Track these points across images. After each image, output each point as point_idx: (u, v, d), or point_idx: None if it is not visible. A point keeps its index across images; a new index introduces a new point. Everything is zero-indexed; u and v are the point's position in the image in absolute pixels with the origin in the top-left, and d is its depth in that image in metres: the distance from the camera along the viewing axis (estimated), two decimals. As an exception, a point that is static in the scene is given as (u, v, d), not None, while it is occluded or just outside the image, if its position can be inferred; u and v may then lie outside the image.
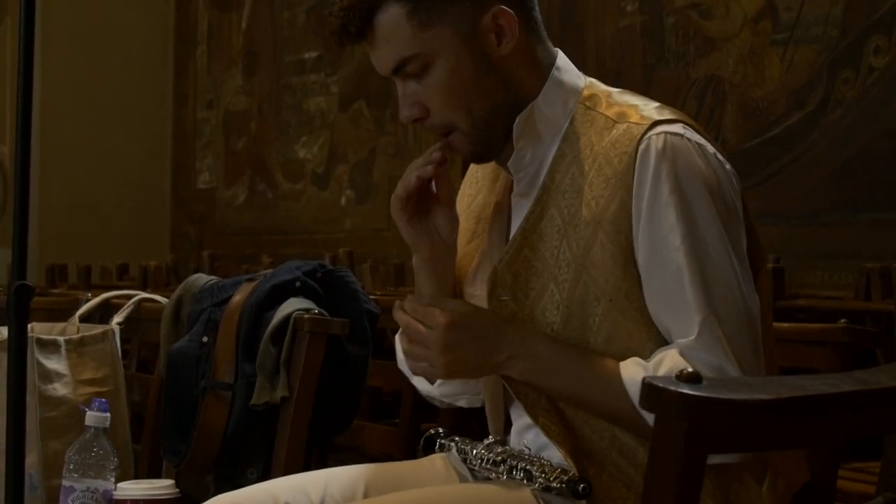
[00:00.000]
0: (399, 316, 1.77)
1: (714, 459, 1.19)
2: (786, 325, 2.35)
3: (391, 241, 8.09)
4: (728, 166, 1.75)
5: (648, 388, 1.06)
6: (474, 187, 1.97)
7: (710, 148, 1.74)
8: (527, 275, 1.78)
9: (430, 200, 1.84)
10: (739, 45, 6.05)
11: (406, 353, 1.79)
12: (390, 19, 1.74)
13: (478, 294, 1.84)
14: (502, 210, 1.89)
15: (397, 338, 1.88)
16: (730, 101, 6.07)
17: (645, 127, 1.71)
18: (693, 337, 1.65)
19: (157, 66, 10.38)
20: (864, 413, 1.13)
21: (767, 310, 1.83)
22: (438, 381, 1.96)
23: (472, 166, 1.99)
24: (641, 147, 1.70)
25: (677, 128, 1.72)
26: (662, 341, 1.69)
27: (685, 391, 1.04)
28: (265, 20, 9.55)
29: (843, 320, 2.17)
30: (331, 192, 8.83)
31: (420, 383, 2.00)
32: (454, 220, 1.85)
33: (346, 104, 8.71)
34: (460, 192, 1.99)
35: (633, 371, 1.68)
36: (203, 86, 10.18)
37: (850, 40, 5.57)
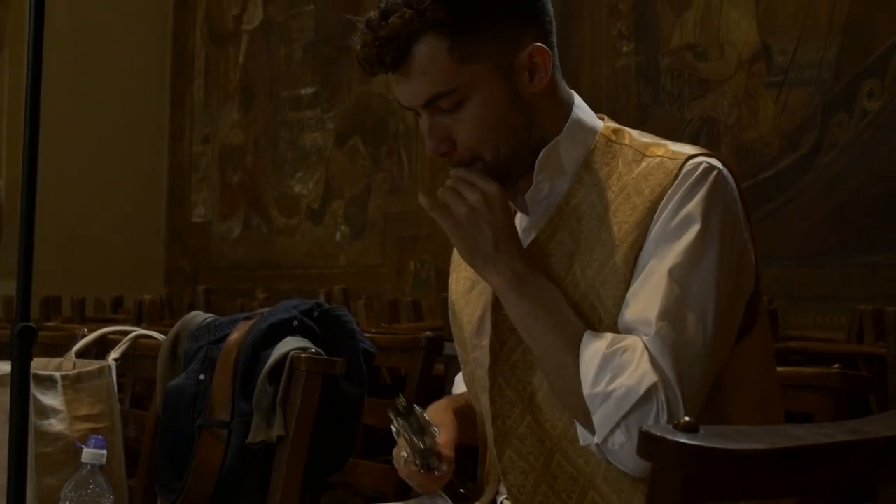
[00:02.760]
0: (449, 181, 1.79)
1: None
2: (780, 369, 2.36)
3: (385, 276, 8.11)
4: (742, 207, 1.77)
5: (646, 436, 1.07)
6: None
7: (735, 189, 1.75)
8: None
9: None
10: (734, 87, 6.09)
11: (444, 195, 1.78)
12: (429, 52, 1.72)
13: (483, 344, 1.84)
14: None
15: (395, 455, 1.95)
16: (724, 143, 6.10)
17: (680, 161, 1.73)
18: (648, 337, 1.66)
19: (154, 99, 10.41)
20: (859, 463, 1.14)
21: (772, 356, 1.85)
22: None
23: None
24: (680, 175, 1.71)
25: (714, 161, 1.74)
26: None
27: (683, 440, 1.05)
28: (262, 56, 9.59)
29: (836, 365, 2.18)
30: (326, 228, 8.85)
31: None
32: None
33: (341, 140, 8.73)
34: None
35: (594, 336, 1.69)
36: (199, 120, 10.21)
37: (844, 83, 5.61)
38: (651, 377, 1.63)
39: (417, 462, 1.87)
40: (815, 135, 5.70)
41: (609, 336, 1.68)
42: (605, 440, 1.66)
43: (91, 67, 9.72)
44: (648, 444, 1.07)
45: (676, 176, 1.71)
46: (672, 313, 1.66)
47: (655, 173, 1.73)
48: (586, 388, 1.66)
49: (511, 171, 1.79)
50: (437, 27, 1.71)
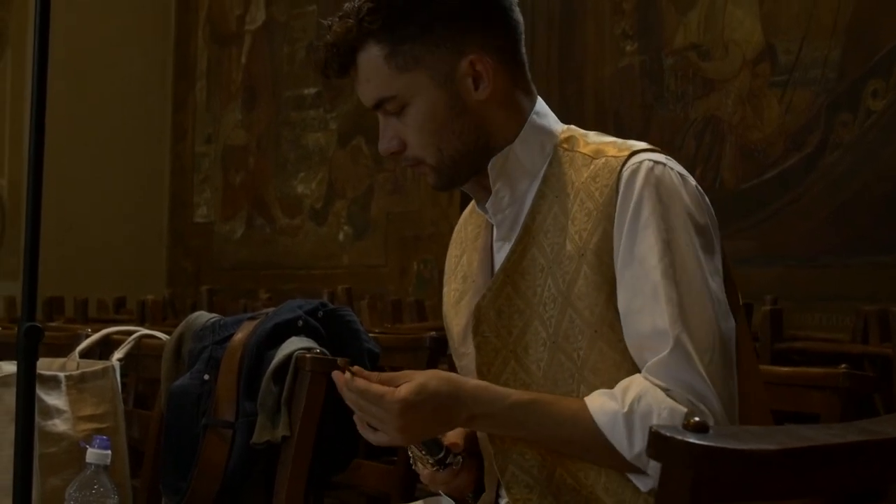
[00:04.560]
0: (346, 395, 1.77)
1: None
2: (786, 369, 2.36)
3: (388, 277, 8.11)
4: (706, 199, 1.78)
5: (655, 436, 1.07)
6: (459, 248, 1.99)
7: (691, 179, 1.77)
8: (510, 312, 1.80)
9: None
10: (738, 87, 6.08)
11: (360, 430, 1.80)
12: (370, 59, 1.81)
13: (469, 353, 1.86)
14: (485, 259, 1.91)
15: None
16: (728, 142, 6.09)
17: (623, 158, 1.75)
18: (666, 353, 1.66)
19: (157, 100, 10.40)
20: (869, 463, 1.14)
21: (752, 347, 1.85)
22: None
23: (458, 228, 2.01)
24: (624, 175, 1.74)
25: (659, 157, 1.76)
26: None
27: (692, 440, 1.05)
28: (265, 56, 9.59)
29: (843, 365, 2.17)
30: (329, 228, 8.85)
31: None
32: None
33: (344, 140, 8.73)
34: (448, 254, 2.02)
35: (599, 402, 1.69)
36: (202, 120, 10.20)
37: (849, 83, 5.61)
38: (679, 411, 1.64)
39: (431, 461, 1.87)
40: (820, 135, 5.69)
41: (615, 394, 1.68)
42: None
43: (93, 68, 9.72)
44: (658, 445, 1.06)
45: (620, 174, 1.73)
46: (680, 318, 1.67)
47: (602, 174, 1.76)
48: (626, 454, 1.67)
49: (458, 173, 1.84)
50: (376, 35, 1.79)
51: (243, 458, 2.38)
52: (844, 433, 1.15)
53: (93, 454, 2.25)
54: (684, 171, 1.77)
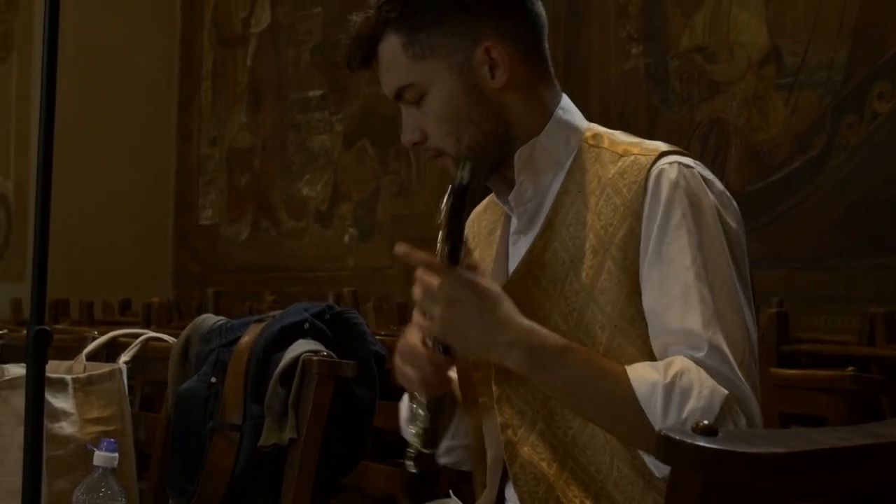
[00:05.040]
0: (419, 267, 1.75)
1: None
2: (793, 371, 2.36)
3: (394, 279, 8.10)
4: (734, 203, 1.78)
5: (665, 440, 1.07)
6: (472, 243, 1.99)
7: (718, 184, 1.78)
8: (527, 306, 1.79)
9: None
10: (744, 89, 6.08)
11: (416, 301, 1.77)
12: (389, 49, 1.84)
13: None
14: (501, 253, 1.91)
15: (402, 403, 1.90)
16: (734, 145, 6.09)
17: (653, 157, 1.75)
18: (703, 354, 1.65)
19: (162, 102, 10.41)
20: (878, 466, 1.14)
21: (763, 351, 1.85)
22: (444, 446, 1.95)
23: (470, 222, 2.00)
24: (653, 174, 1.74)
25: (688, 160, 1.77)
26: None
27: (701, 444, 1.05)
28: (270, 58, 9.59)
29: (850, 368, 2.18)
30: (334, 230, 8.85)
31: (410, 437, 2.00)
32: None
33: (350, 142, 8.73)
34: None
35: (641, 370, 1.67)
36: (207, 122, 10.21)
37: (855, 85, 5.60)
38: (720, 392, 1.62)
39: (430, 343, 1.80)
40: (826, 137, 5.69)
41: (658, 365, 1.66)
42: None
43: (99, 70, 9.72)
44: (667, 448, 1.06)
45: (649, 172, 1.73)
46: (715, 320, 1.67)
47: (630, 171, 1.76)
48: (658, 424, 1.62)
49: (480, 163, 1.82)
50: (394, 25, 1.82)
51: (250, 461, 2.38)
52: (852, 436, 1.15)
53: (100, 457, 2.25)
54: (711, 175, 1.77)
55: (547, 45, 1.88)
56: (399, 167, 8.25)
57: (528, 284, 1.80)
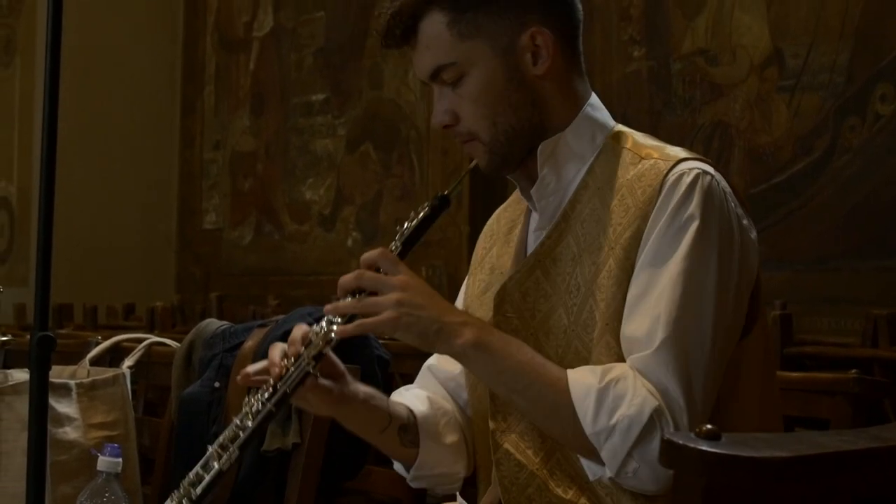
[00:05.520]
0: (346, 279, 1.75)
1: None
2: (796, 374, 2.36)
3: (397, 283, 8.08)
4: (746, 221, 1.77)
5: (668, 444, 1.07)
6: (489, 241, 2.00)
7: (732, 196, 1.77)
8: (535, 296, 1.80)
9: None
10: (746, 92, 6.07)
11: (356, 308, 1.74)
12: (432, 26, 1.81)
13: None
14: (520, 249, 1.91)
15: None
16: (736, 147, 6.09)
17: (672, 163, 1.76)
18: (650, 351, 1.67)
19: (165, 106, 10.41)
20: (882, 470, 1.14)
21: (771, 359, 1.85)
22: (411, 475, 1.95)
23: (489, 223, 2.02)
24: (669, 179, 1.74)
25: (708, 167, 1.77)
26: None
27: (704, 448, 1.05)
28: (273, 62, 9.59)
29: (853, 371, 2.17)
30: (337, 234, 8.85)
31: (401, 468, 2.01)
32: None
33: (353, 146, 8.73)
34: (476, 247, 2.02)
35: (580, 374, 1.70)
36: (210, 127, 10.21)
37: (857, 88, 5.59)
38: (651, 402, 1.65)
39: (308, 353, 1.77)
40: (828, 139, 5.68)
41: (597, 370, 1.70)
42: (619, 472, 1.68)
43: (101, 74, 9.73)
44: (670, 453, 1.06)
45: (666, 177, 1.74)
46: (675, 323, 1.68)
47: (648, 174, 1.76)
48: (588, 428, 1.68)
49: (512, 153, 1.83)
50: (440, 3, 1.80)
51: (254, 466, 2.38)
52: (856, 440, 1.15)
53: (104, 462, 2.25)
54: (729, 189, 1.77)
55: (581, 41, 1.89)
56: (402, 171, 8.25)
57: (538, 275, 1.82)
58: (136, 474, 2.66)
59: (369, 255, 1.77)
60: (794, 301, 5.09)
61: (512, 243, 1.94)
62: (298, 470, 2.35)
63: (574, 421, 1.68)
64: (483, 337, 1.73)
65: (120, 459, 2.28)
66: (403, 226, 1.82)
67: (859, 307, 4.87)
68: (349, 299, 1.75)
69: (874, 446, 1.14)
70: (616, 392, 1.66)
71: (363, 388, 1.90)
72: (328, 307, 1.77)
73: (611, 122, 1.88)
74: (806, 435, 1.15)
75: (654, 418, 1.64)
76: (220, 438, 1.76)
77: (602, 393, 1.66)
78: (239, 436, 1.75)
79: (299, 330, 1.80)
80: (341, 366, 1.85)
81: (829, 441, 1.13)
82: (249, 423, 1.75)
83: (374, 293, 1.74)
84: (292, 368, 1.76)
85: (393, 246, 1.81)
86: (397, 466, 2.02)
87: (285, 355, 1.78)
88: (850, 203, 5.56)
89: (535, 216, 1.90)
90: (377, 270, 1.76)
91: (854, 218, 5.54)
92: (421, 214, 1.82)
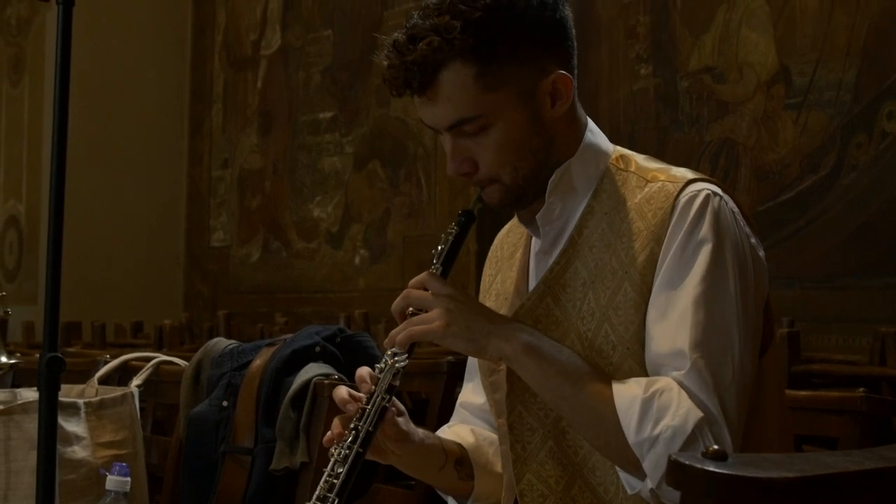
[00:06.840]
0: (398, 302, 1.77)
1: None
2: (803, 392, 2.35)
3: (404, 300, 8.08)
4: (754, 240, 1.78)
5: (674, 464, 1.07)
6: (494, 267, 2.00)
7: (741, 217, 1.78)
8: (547, 322, 1.80)
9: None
10: (753, 109, 6.08)
11: (407, 326, 1.75)
12: (456, 78, 1.74)
13: (501, 368, 1.86)
14: (522, 274, 1.91)
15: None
16: (743, 165, 6.09)
17: (681, 185, 1.76)
18: (683, 372, 1.67)
19: (173, 124, 10.44)
20: (889, 491, 1.14)
21: (782, 378, 1.85)
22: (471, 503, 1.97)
23: (493, 248, 2.02)
24: (681, 201, 1.74)
25: (717, 188, 1.77)
26: None
27: (711, 468, 1.05)
28: (280, 80, 9.62)
29: (861, 389, 2.17)
30: (345, 252, 8.86)
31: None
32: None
33: (360, 164, 8.75)
34: (483, 274, 2.03)
35: (626, 385, 1.69)
36: (218, 145, 10.24)
37: (863, 105, 5.60)
38: (696, 413, 1.64)
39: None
40: (835, 156, 5.68)
41: (642, 381, 1.69)
42: (660, 484, 1.65)
43: (110, 93, 9.76)
44: (676, 473, 1.06)
45: (677, 199, 1.74)
46: (703, 344, 1.67)
47: (657, 197, 1.76)
48: (631, 437, 1.66)
49: (527, 193, 1.82)
50: (465, 55, 1.73)
51: (262, 485, 2.38)
52: (863, 460, 1.14)
53: (112, 481, 2.26)
54: (736, 209, 1.77)
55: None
56: (409, 189, 8.26)
57: (548, 302, 1.81)
58: (145, 493, 2.66)
59: (415, 279, 1.78)
60: (801, 319, 5.09)
61: (514, 268, 1.94)
62: (306, 489, 2.35)
63: (617, 430, 1.66)
64: (534, 342, 1.73)
65: (128, 478, 2.28)
66: (438, 248, 1.82)
67: (867, 325, 4.87)
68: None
69: (881, 466, 1.13)
70: (661, 403, 1.65)
71: (419, 428, 1.91)
72: (386, 341, 1.79)
73: (608, 144, 1.88)
74: (813, 455, 1.14)
75: (697, 431, 1.63)
76: (317, 492, 1.77)
77: (647, 403, 1.65)
78: (335, 485, 1.76)
79: (364, 370, 1.81)
80: (400, 405, 1.85)
81: (836, 461, 1.13)
82: (341, 470, 1.76)
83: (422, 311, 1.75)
84: (368, 406, 1.77)
85: (433, 268, 1.80)
86: (452, 503, 2.02)
87: (352, 398, 1.80)
88: (858, 220, 5.56)
89: (534, 240, 1.90)
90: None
91: (861, 235, 5.54)
92: (452, 233, 1.82)
